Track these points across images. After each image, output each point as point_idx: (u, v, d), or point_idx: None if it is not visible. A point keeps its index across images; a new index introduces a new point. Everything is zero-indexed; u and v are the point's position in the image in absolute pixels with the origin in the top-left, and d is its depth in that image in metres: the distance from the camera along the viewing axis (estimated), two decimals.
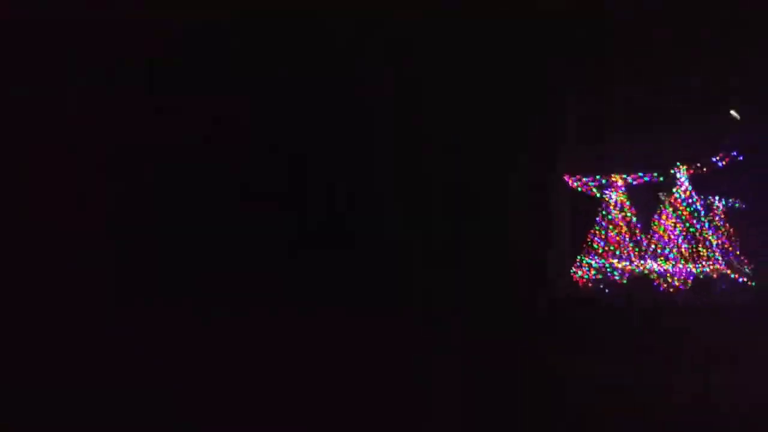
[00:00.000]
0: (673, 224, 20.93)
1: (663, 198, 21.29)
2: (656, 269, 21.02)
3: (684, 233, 20.66)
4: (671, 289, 20.47)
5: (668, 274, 20.77)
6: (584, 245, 21.72)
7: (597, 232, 21.85)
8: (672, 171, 20.90)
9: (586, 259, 21.61)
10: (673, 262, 20.73)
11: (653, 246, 21.27)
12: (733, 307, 17.04)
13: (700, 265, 20.44)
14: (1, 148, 13.90)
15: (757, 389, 9.65)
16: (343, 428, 8.52)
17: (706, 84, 17.26)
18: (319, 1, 15.48)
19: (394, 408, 8.97)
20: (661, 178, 20.78)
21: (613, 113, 19.55)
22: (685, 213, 20.68)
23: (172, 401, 8.78)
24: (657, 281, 20.88)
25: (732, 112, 18.93)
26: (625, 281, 21.13)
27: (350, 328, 12.54)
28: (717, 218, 21.73)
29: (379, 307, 14.23)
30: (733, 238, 21.77)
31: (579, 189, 21.63)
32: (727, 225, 22.11)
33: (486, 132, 17.37)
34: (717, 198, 21.82)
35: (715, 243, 20.69)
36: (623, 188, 21.72)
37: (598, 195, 21.93)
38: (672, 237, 20.87)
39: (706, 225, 20.68)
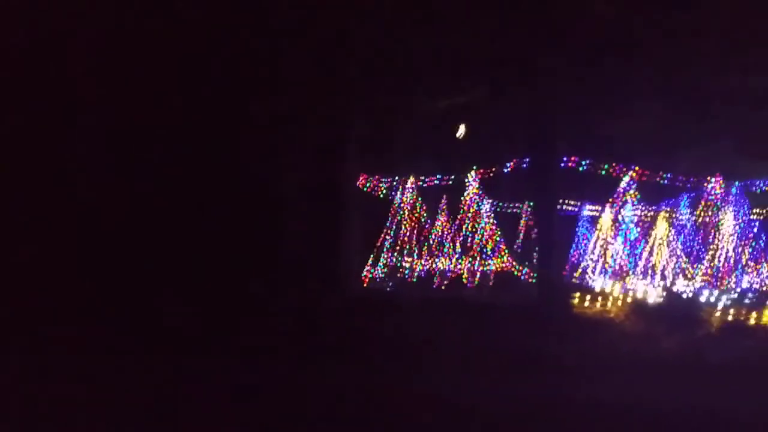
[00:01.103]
0: (460, 223, 21.81)
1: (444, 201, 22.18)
2: (444, 266, 21.79)
3: (471, 232, 21.56)
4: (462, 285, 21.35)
5: (460, 271, 21.63)
6: (376, 245, 22.23)
7: (388, 231, 22.40)
8: (466, 174, 21.74)
9: (379, 258, 22.13)
10: (460, 260, 21.58)
11: (443, 244, 22.10)
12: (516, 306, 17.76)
13: (487, 263, 21.39)
14: None
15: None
16: None
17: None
18: None
19: None
20: (450, 181, 21.54)
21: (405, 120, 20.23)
22: (473, 212, 21.58)
23: None
24: (445, 278, 21.71)
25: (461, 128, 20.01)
26: (414, 279, 21.80)
27: None
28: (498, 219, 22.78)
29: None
30: (518, 237, 23.02)
31: (369, 190, 22.11)
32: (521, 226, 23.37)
33: (273, 130, 17.41)
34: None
35: (498, 241, 21.72)
36: (413, 189, 22.32)
37: (386, 194, 22.47)
38: (460, 235, 21.74)
39: (491, 225, 21.67)
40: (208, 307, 14.63)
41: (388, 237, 22.31)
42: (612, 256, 21.08)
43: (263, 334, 12.99)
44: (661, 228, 21.18)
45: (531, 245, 22.13)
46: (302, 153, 18.58)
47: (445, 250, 22.03)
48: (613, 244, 21.16)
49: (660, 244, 20.88)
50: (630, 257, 20.88)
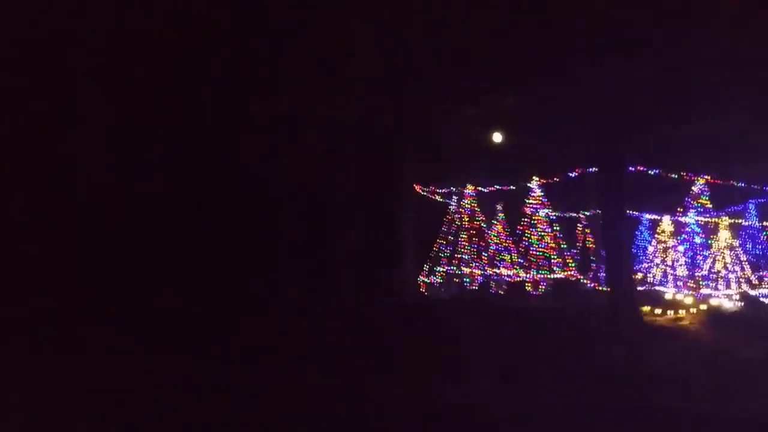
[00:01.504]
0: (521, 231, 21.59)
1: (500, 208, 21.95)
2: (503, 274, 21.56)
3: (537, 241, 21.31)
4: (527, 293, 21.12)
5: (520, 279, 21.40)
6: (432, 253, 22.09)
7: (445, 239, 22.23)
8: (527, 182, 21.53)
9: (435, 266, 21.99)
10: (521, 268, 21.35)
11: (502, 252, 21.88)
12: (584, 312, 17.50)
13: (553, 271, 21.13)
14: None
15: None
16: None
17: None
18: None
19: None
20: (511, 188, 21.34)
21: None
22: (536, 220, 21.34)
23: None
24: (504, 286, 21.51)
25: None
26: (476, 287, 21.61)
27: None
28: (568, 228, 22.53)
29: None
30: (585, 246, 22.69)
31: (426, 197, 21.95)
32: (579, 233, 23.10)
33: (328, 139, 17.42)
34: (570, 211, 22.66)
35: (566, 250, 21.45)
36: (472, 197, 22.16)
37: (442, 200, 22.32)
38: (521, 243, 21.51)
39: (555, 232, 21.40)
40: (270, 312, 14.68)
41: (443, 244, 22.17)
42: (681, 263, 20.63)
43: (321, 337, 13.08)
44: (728, 234, 20.66)
45: (594, 253, 21.88)
46: (358, 162, 18.60)
47: (505, 258, 21.81)
48: (682, 251, 20.72)
49: (729, 250, 20.37)
50: (700, 264, 20.43)
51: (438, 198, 22.37)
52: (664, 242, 21.17)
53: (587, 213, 22.34)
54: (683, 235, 20.53)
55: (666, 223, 21.27)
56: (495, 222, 22.21)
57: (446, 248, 22.12)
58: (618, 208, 16.36)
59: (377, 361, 11.60)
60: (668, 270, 20.87)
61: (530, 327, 14.92)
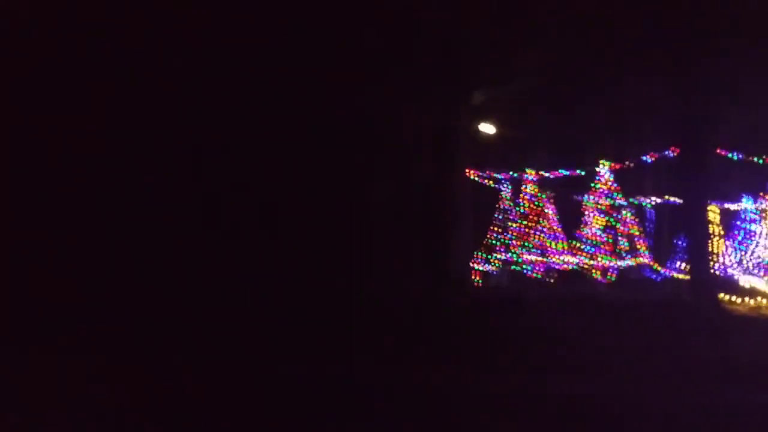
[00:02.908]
0: (594, 219, 21.02)
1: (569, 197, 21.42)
2: (574, 262, 21.07)
3: (605, 227, 20.76)
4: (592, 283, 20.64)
5: (587, 267, 20.90)
6: (487, 240, 21.62)
7: (500, 226, 21.76)
8: (596, 167, 20.95)
9: (490, 253, 21.52)
10: (592, 256, 20.83)
11: (571, 240, 21.37)
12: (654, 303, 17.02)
13: (622, 258, 20.62)
14: None
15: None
16: None
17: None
18: None
19: None
20: (582, 173, 20.77)
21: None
22: (606, 207, 20.78)
23: None
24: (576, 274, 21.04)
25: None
26: (538, 275, 21.14)
27: None
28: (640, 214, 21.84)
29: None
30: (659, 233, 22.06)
31: (482, 182, 21.49)
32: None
33: (383, 129, 17.13)
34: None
35: (637, 237, 20.85)
36: (535, 181, 21.60)
37: (495, 185, 21.82)
38: (593, 231, 20.96)
39: (629, 219, 20.81)
40: (331, 312, 14.49)
41: (497, 232, 21.67)
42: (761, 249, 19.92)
43: (385, 335, 12.55)
44: None
45: (669, 241, 21.27)
46: (413, 151, 18.26)
47: (568, 244, 21.28)
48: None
49: None
50: None
51: (490, 183, 21.83)
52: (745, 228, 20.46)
53: (659, 200, 21.61)
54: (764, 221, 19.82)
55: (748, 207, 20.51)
56: (556, 208, 21.64)
57: (502, 235, 21.63)
58: (700, 194, 15.82)
59: (494, 359, 11.13)
60: (745, 257, 20.20)
61: (613, 317, 14.44)
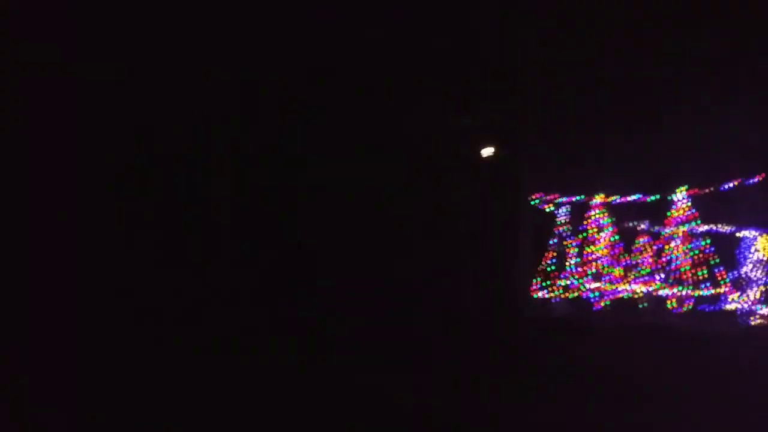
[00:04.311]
0: (670, 247, 20.25)
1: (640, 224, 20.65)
2: (643, 291, 20.28)
3: (683, 255, 19.96)
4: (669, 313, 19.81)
5: (661, 297, 20.12)
6: (546, 266, 21.07)
7: (557, 251, 21.15)
8: (670, 195, 20.21)
9: (548, 280, 20.90)
10: (666, 285, 20.04)
11: (641, 268, 20.57)
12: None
13: (700, 287, 19.78)
14: None
15: None
16: None
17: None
18: None
19: None
20: (652, 198, 20.06)
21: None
22: (683, 234, 20.00)
23: None
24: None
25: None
26: (606, 303, 20.38)
27: None
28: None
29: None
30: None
31: (543, 207, 20.96)
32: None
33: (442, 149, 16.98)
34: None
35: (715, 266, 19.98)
36: (603, 208, 20.95)
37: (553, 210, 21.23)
38: (669, 259, 20.18)
39: (707, 248, 19.97)
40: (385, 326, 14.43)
41: (554, 258, 21.00)
42: None
43: (439, 351, 12.91)
44: None
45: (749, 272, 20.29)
46: (474, 172, 18.03)
47: (640, 273, 20.52)
48: None
49: None
50: None
51: (549, 207, 21.23)
52: None
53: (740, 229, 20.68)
54: None
55: None
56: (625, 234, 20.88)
57: (560, 261, 20.92)
58: None
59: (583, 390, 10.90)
60: None
61: (681, 349, 13.78)
